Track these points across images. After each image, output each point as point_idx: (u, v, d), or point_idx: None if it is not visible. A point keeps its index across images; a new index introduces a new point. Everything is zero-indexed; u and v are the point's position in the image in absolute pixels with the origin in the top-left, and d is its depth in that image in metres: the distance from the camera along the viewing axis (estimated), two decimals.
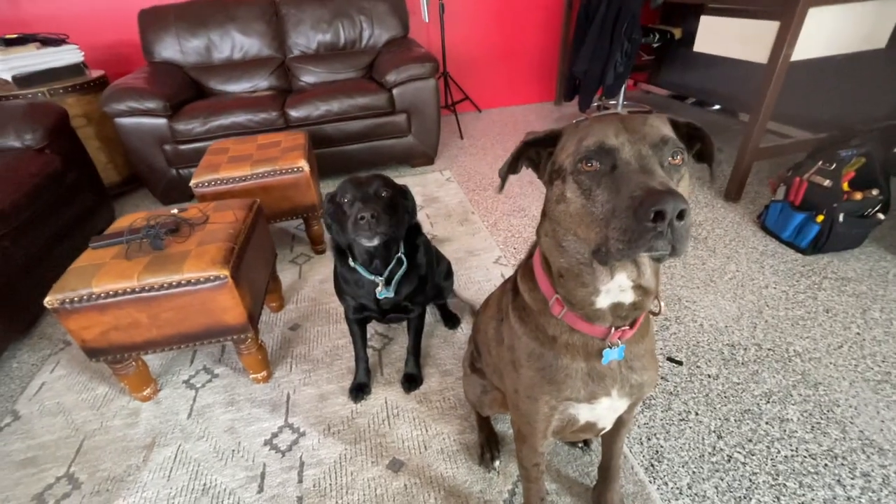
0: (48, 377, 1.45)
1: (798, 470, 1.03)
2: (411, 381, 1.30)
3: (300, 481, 1.08)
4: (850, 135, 1.68)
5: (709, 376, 1.27)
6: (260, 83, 2.72)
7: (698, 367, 1.30)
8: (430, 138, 2.63)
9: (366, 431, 1.19)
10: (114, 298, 1.11)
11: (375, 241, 1.03)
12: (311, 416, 1.24)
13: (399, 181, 1.18)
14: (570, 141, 0.55)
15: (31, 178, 1.71)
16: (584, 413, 0.71)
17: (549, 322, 0.66)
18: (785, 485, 1.00)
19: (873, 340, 1.34)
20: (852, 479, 1.01)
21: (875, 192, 1.62)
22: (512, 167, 0.63)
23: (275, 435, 1.20)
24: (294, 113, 2.36)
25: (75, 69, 2.50)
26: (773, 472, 1.03)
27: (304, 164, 1.76)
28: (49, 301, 1.09)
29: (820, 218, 1.64)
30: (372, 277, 1.14)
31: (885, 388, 1.20)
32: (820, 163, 1.68)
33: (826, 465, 1.04)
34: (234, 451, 1.17)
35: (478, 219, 2.16)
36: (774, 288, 1.58)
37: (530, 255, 0.72)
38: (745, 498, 0.99)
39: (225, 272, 1.14)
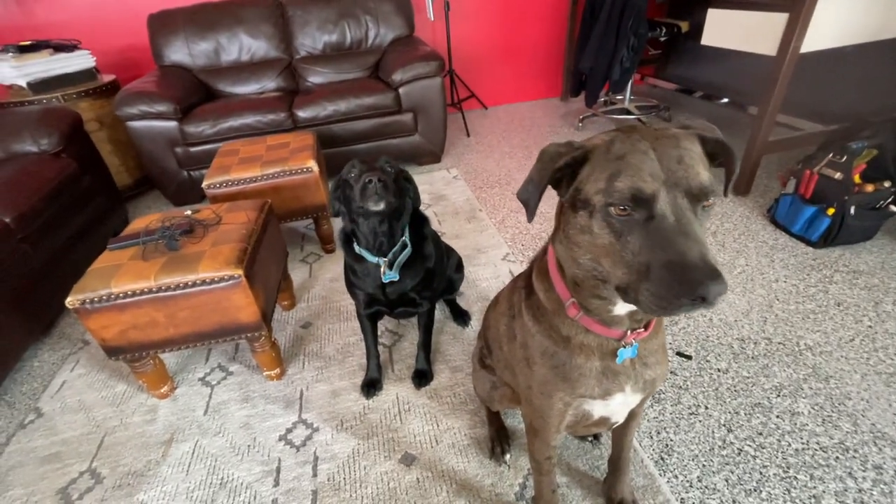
0: (69, 375, 1.49)
1: (809, 463, 1.03)
2: (422, 377, 1.32)
3: (315, 475, 1.11)
4: (862, 126, 1.66)
5: (719, 370, 1.27)
6: (267, 84, 2.74)
7: (708, 361, 1.31)
8: (436, 136, 2.64)
9: (378, 426, 1.21)
10: (132, 298, 1.14)
11: (382, 206, 1.04)
12: (325, 412, 1.27)
13: None
14: (600, 173, 0.50)
15: (48, 182, 1.75)
16: (598, 409, 0.72)
17: (563, 322, 0.66)
18: (796, 477, 1.01)
19: (885, 333, 1.33)
20: (864, 471, 1.01)
21: (887, 183, 1.60)
22: (540, 194, 0.55)
23: (289, 430, 1.23)
24: (302, 113, 2.38)
25: (87, 74, 2.55)
26: (783, 464, 1.03)
27: (313, 165, 1.78)
28: (70, 301, 1.12)
29: (831, 211, 1.63)
30: (376, 260, 1.15)
31: None
32: (830, 155, 1.66)
33: (837, 457, 1.04)
34: (249, 446, 1.20)
35: (485, 216, 2.17)
36: (785, 282, 1.57)
37: (544, 252, 0.72)
38: (755, 490, 0.99)
39: (239, 272, 1.16)
